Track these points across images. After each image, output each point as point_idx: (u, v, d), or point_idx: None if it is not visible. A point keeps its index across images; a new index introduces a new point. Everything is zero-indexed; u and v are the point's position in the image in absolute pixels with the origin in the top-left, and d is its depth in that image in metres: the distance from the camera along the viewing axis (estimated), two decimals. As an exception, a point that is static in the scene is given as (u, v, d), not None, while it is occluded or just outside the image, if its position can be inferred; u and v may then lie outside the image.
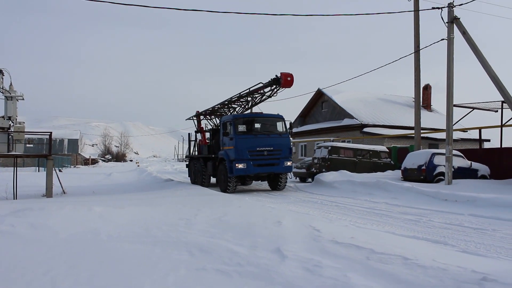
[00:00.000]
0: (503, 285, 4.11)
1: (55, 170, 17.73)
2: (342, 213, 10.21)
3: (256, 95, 17.58)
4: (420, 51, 19.12)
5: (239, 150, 15.50)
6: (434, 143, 29.85)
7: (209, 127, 21.85)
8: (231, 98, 18.54)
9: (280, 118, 16.77)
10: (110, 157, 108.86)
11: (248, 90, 17.04)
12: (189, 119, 23.38)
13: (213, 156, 18.11)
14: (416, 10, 18.09)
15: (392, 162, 23.94)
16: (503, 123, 20.54)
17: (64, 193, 17.85)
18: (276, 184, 17.24)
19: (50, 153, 17.19)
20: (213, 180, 19.44)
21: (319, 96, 36.36)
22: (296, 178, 23.76)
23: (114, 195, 15.53)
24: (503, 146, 20.19)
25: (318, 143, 26.35)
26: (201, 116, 22.25)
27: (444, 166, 15.68)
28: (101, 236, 6.77)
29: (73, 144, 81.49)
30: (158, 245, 6.14)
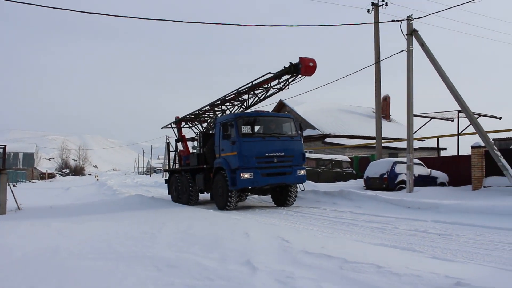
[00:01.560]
0: (477, 289, 4.12)
1: (9, 185, 16.84)
2: (309, 223, 10.15)
3: (259, 91, 14.79)
4: (381, 62, 19.59)
5: (245, 156, 12.65)
6: (394, 152, 30.59)
7: (193, 134, 19.31)
8: (225, 96, 15.56)
9: (290, 118, 14.27)
10: (68, 171, 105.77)
11: (250, 84, 14.14)
12: (165, 127, 20.62)
13: (204, 166, 15.04)
14: (376, 22, 18.56)
15: (354, 171, 24.31)
16: (460, 132, 21.27)
17: (19, 209, 16.96)
18: (284, 198, 14.27)
19: (4, 167, 16.33)
20: (202, 196, 17.08)
21: (281, 107, 36.61)
22: None
23: (73, 210, 14.89)
24: (460, 154, 20.89)
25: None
26: (182, 123, 19.44)
27: (405, 174, 16.00)
28: (61, 253, 6.41)
29: (29, 158, 78.61)
30: (123, 261, 5.84)
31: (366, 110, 40.04)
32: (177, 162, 19.26)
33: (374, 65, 19.58)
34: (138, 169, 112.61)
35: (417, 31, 15.74)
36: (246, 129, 13.19)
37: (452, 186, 17.32)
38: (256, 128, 13.62)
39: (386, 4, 18.78)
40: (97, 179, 57.60)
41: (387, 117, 37.24)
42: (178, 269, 5.41)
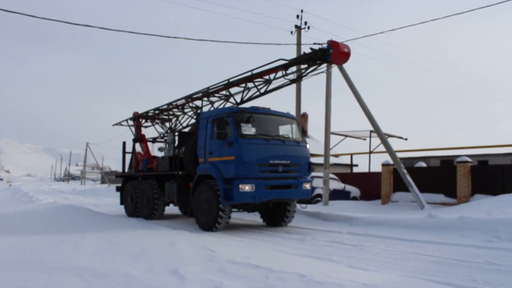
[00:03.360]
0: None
1: None
2: (233, 234, 10.30)
3: (259, 82, 12.09)
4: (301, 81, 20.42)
5: (245, 162, 9.97)
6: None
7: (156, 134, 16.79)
8: (208, 88, 12.95)
9: (293, 118, 11.80)
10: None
11: (249, 73, 11.71)
12: (118, 124, 17.98)
13: (179, 173, 12.46)
14: (299, 44, 19.32)
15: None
16: (371, 150, 22.79)
17: None
18: (279, 216, 11.95)
19: None
20: (169, 210, 14.85)
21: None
22: None
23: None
24: (370, 171, 22.36)
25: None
26: (141, 120, 16.80)
27: (322, 188, 16.80)
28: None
29: None
30: (46, 271, 5.54)
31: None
32: (136, 166, 16.25)
33: (295, 83, 20.34)
34: (55, 176, 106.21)
35: (337, 54, 16.63)
36: (246, 128, 10.41)
37: (364, 200, 18.52)
38: (259, 128, 10.70)
39: (309, 28, 19.65)
40: (10, 185, 53.68)
41: (305, 134, 38.58)
42: (105, 279, 5.25)
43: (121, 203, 15.79)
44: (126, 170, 16.47)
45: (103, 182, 55.17)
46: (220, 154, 10.50)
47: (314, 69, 11.08)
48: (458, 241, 8.66)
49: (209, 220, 10.67)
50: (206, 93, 13.15)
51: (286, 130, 11.43)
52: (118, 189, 16.42)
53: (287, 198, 10.98)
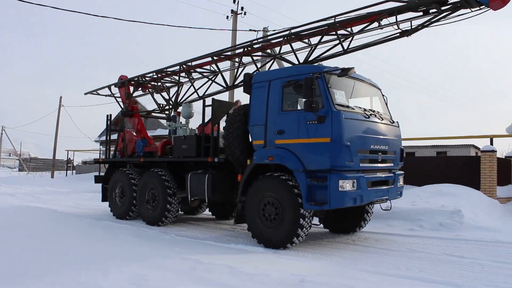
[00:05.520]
0: (319, 284, 4.63)
1: None
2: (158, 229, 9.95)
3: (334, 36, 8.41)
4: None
5: (346, 147, 6.79)
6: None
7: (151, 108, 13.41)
8: (251, 41, 9.52)
9: (379, 88, 8.57)
10: None
11: (339, 17, 8.09)
12: (94, 92, 13.63)
13: (215, 160, 8.81)
14: (234, 30, 19.14)
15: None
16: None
17: None
18: (355, 219, 8.75)
19: None
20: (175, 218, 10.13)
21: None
22: None
23: None
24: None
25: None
26: (131, 88, 12.45)
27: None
28: None
29: None
30: None
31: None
32: (122, 149, 11.99)
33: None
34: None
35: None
36: (339, 97, 7.25)
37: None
38: (345, 100, 7.41)
39: (245, 13, 19.51)
40: None
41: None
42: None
43: (104, 199, 11.86)
44: (111, 154, 12.53)
45: (21, 169, 51.51)
46: (299, 134, 7.26)
47: (451, 13, 7.32)
48: (384, 230, 9.03)
49: (280, 232, 7.15)
50: (248, 47, 9.47)
51: (376, 104, 8.29)
52: (98, 180, 12.41)
53: (385, 198, 7.81)
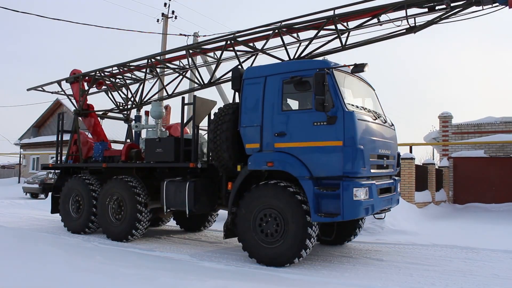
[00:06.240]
0: None
1: None
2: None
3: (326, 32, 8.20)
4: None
5: (360, 152, 6.25)
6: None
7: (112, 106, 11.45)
8: (237, 32, 8.76)
9: (373, 88, 8.10)
10: None
11: (332, 13, 7.74)
12: (38, 88, 12.32)
13: (198, 166, 7.87)
14: (165, 34, 18.91)
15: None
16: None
17: None
18: (347, 229, 8.23)
19: None
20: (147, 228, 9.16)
21: (58, 107, 32.56)
22: (26, 195, 21.03)
23: None
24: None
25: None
26: (85, 84, 11.28)
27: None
28: None
29: None
30: None
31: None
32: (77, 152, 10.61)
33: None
34: None
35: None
36: (348, 95, 6.77)
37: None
38: (351, 99, 6.96)
39: (176, 17, 19.35)
40: None
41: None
42: None
43: (54, 211, 10.43)
44: (64, 158, 11.01)
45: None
46: (304, 136, 6.56)
47: (455, 13, 7.22)
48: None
49: (283, 249, 6.44)
50: (232, 39, 8.65)
51: (375, 104, 7.82)
52: (45, 189, 10.52)
53: (389, 207, 7.36)
